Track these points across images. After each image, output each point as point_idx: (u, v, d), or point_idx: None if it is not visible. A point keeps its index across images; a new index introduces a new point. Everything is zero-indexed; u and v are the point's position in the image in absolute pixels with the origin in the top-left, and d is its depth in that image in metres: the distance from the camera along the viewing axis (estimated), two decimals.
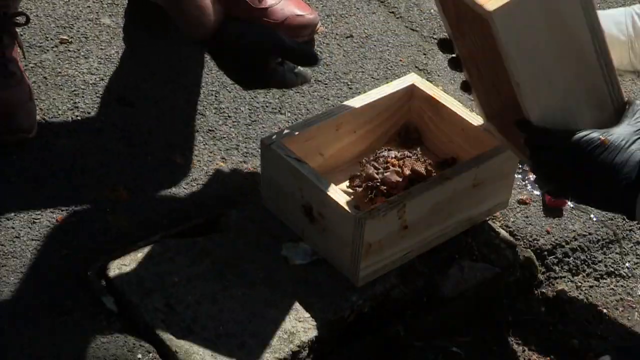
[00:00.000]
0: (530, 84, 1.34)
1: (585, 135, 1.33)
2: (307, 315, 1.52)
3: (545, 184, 1.43)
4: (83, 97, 1.91)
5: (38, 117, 1.83)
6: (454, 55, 1.52)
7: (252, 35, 1.60)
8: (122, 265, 1.59)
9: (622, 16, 1.74)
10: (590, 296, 1.72)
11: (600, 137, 1.33)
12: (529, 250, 1.74)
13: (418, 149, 1.69)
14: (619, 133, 1.34)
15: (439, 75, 2.11)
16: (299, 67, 1.65)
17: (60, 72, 1.95)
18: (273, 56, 1.61)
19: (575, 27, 1.32)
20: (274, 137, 1.62)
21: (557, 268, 1.74)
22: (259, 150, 1.68)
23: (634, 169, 1.31)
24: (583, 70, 1.36)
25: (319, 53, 2.09)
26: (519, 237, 1.75)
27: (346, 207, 1.49)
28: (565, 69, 1.35)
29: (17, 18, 1.84)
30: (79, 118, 1.86)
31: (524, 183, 1.85)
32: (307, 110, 1.96)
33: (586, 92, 1.38)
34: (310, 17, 2.09)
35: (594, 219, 1.81)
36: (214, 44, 1.60)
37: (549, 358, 1.63)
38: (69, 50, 2.00)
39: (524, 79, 1.33)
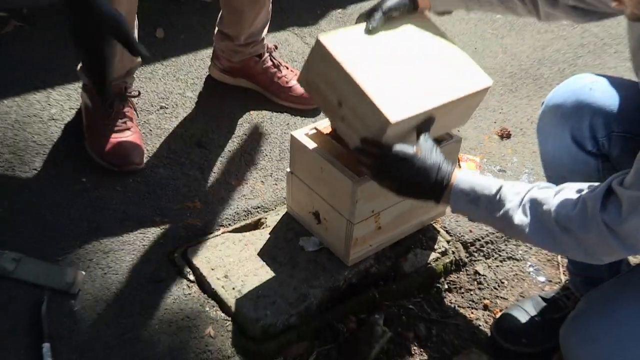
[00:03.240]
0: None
1: (403, 148, 1.20)
2: (316, 284, 1.52)
3: (380, 182, 1.25)
4: (174, 142, 1.92)
5: (145, 155, 1.84)
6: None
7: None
8: (197, 250, 1.60)
9: None
10: (497, 272, 1.71)
11: (414, 148, 1.21)
12: (458, 242, 1.73)
13: None
14: (424, 146, 1.21)
15: None
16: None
17: (159, 127, 1.96)
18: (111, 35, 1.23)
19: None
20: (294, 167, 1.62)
21: (476, 254, 1.74)
22: (285, 177, 1.68)
23: (438, 170, 1.19)
24: None
25: None
26: (452, 234, 1.75)
27: (342, 215, 1.49)
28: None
29: (132, 91, 1.86)
30: (171, 156, 1.87)
31: None
32: None
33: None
34: None
35: None
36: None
37: (471, 310, 1.62)
38: (165, 113, 2.01)
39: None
